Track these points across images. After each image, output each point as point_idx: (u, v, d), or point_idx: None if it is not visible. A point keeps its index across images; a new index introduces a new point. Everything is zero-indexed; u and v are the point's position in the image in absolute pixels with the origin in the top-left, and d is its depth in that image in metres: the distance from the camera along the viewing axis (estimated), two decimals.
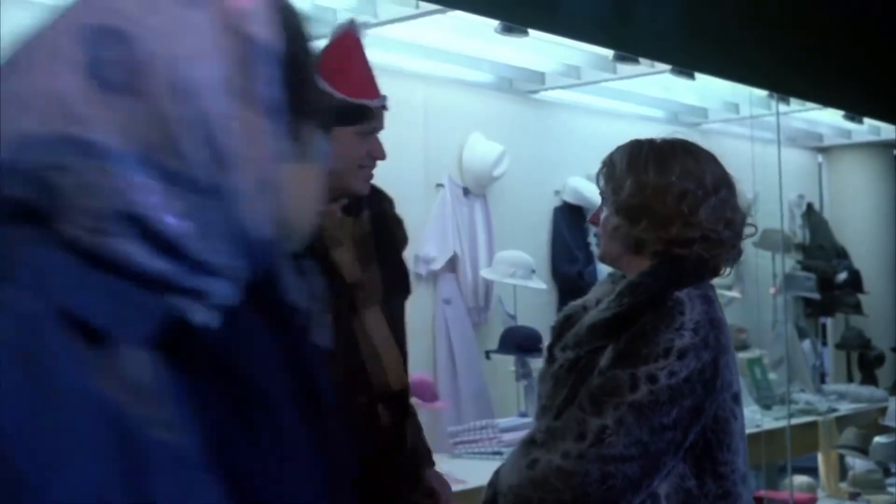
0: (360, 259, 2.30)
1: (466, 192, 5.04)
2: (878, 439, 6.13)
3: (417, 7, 3.84)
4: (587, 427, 1.85)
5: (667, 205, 1.96)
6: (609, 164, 2.06)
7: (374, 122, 2.29)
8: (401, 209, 2.51)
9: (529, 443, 1.94)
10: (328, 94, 2.20)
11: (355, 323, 2.26)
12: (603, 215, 2.07)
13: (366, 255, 2.31)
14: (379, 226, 2.38)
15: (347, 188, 2.28)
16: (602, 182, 2.07)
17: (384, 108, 2.33)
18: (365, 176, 2.30)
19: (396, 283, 2.41)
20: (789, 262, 6.82)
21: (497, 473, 1.97)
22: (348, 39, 2.30)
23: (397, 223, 2.46)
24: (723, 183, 2.01)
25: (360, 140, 2.27)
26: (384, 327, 2.32)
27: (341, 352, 2.22)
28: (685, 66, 4.91)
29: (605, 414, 1.84)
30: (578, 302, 2.15)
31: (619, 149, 2.07)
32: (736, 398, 1.97)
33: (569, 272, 5.41)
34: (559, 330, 2.10)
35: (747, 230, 2.07)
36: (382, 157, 2.32)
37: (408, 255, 2.54)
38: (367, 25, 2.37)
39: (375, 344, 2.29)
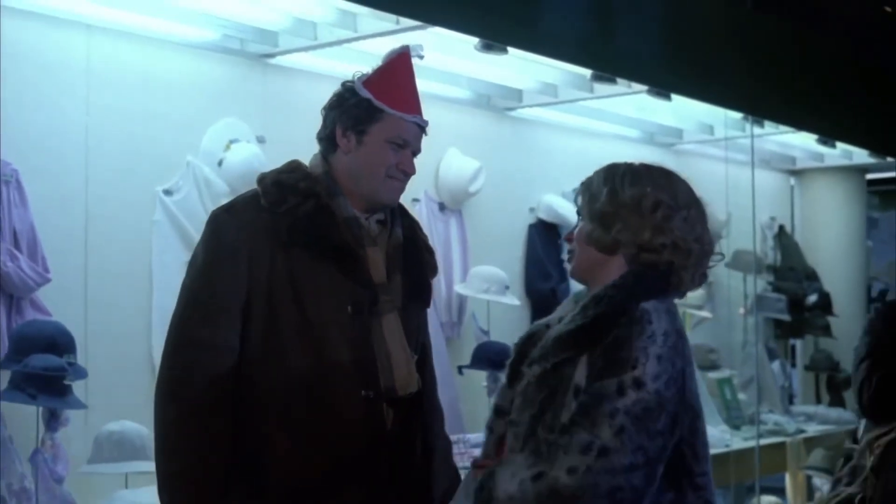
0: (387, 266, 2.38)
1: (442, 207, 5.04)
2: None
3: (398, 22, 3.85)
4: (589, 440, 1.85)
5: (640, 211, 2.03)
6: (587, 184, 2.14)
7: (406, 135, 2.37)
8: None
9: (535, 452, 1.91)
10: (366, 99, 2.33)
11: (373, 322, 2.33)
12: (577, 229, 2.14)
13: (392, 265, 2.40)
14: (409, 243, 2.47)
15: (373, 196, 2.37)
16: (579, 200, 2.14)
17: (422, 129, 2.42)
18: (391, 187, 2.39)
19: (416, 295, 2.47)
20: (760, 284, 6.87)
21: (492, 476, 1.94)
22: (401, 60, 2.42)
23: (429, 252, 2.55)
24: (693, 203, 2.09)
25: (391, 150, 2.36)
26: (400, 334, 2.38)
27: (356, 344, 2.30)
28: (662, 86, 4.94)
29: (602, 425, 1.85)
30: (542, 321, 2.19)
31: (597, 171, 2.14)
32: (700, 410, 2.02)
33: (542, 289, 5.42)
34: (522, 348, 2.13)
35: (715, 257, 2.13)
36: (412, 171, 2.41)
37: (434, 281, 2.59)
38: (421, 54, 2.47)
39: (389, 347, 2.35)
